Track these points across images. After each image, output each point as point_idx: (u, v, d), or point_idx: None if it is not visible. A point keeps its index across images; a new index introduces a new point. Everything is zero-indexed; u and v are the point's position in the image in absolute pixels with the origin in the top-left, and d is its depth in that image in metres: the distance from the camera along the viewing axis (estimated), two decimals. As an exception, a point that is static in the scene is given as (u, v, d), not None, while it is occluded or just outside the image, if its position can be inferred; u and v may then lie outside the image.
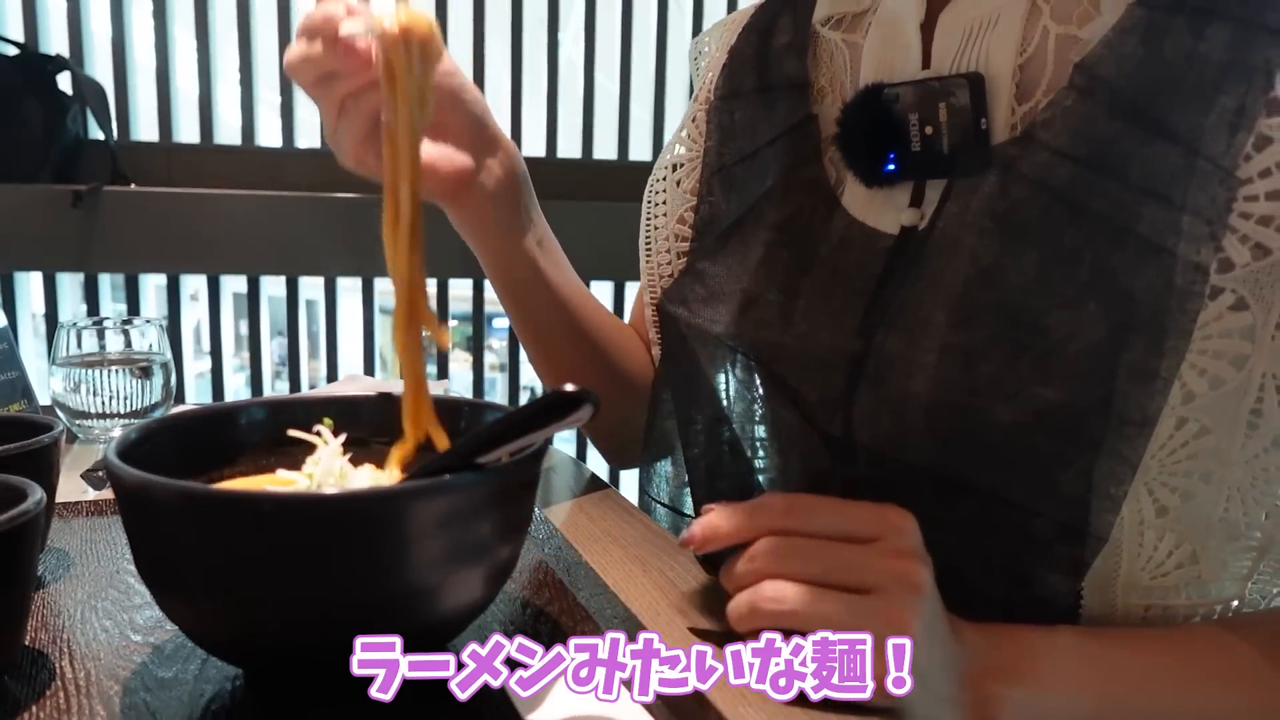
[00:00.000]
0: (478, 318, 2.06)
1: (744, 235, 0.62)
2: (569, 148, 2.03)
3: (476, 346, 2.12)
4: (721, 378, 0.60)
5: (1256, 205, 0.45)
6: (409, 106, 0.43)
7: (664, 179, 0.76)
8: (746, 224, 0.62)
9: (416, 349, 0.45)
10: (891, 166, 0.55)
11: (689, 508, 0.70)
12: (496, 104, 2.01)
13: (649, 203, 0.78)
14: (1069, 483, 0.46)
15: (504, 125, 2.04)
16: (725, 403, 0.61)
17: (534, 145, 2.04)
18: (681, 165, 0.74)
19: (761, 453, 0.59)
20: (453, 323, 2.23)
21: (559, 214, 0.79)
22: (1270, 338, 0.45)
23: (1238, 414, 0.45)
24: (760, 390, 0.58)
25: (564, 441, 2.28)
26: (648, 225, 0.77)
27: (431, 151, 0.60)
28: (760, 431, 0.59)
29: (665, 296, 0.65)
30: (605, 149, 2.06)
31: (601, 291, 1.90)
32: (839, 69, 0.62)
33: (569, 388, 0.39)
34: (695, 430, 0.64)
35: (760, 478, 0.60)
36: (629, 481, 1.19)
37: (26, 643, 0.45)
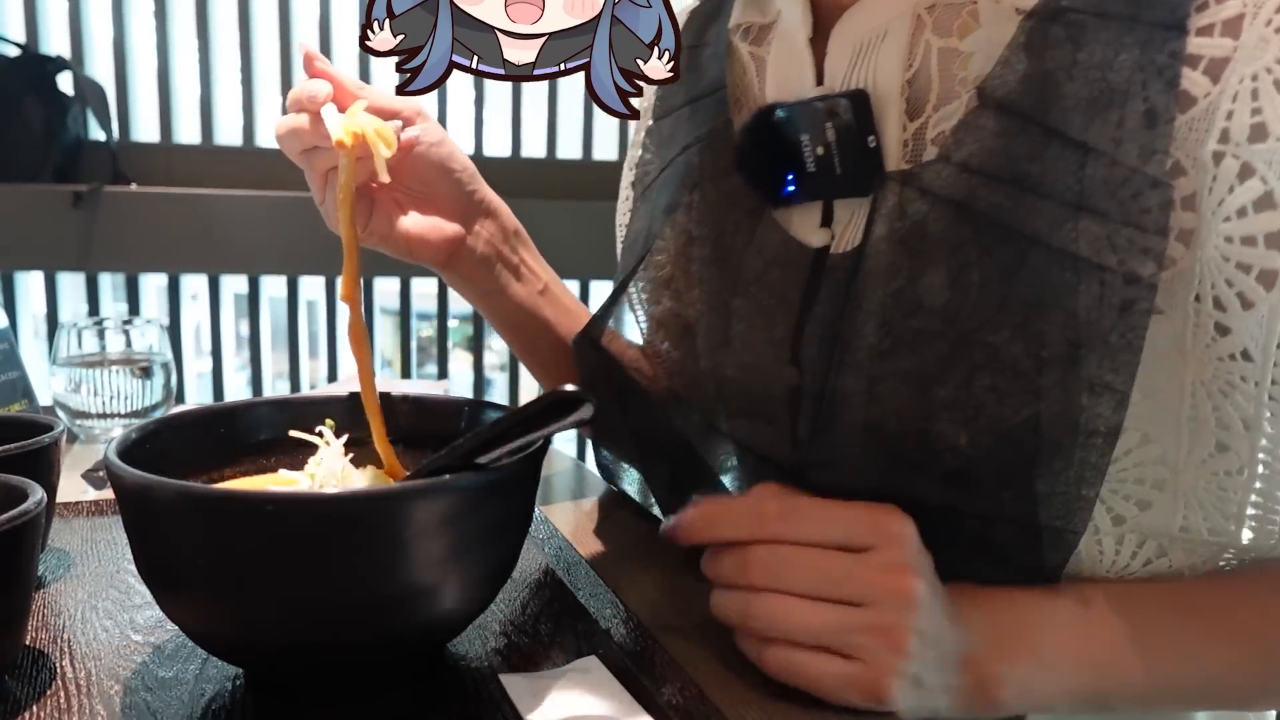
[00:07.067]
0: (478, 318, 2.06)
1: (668, 254, 0.62)
2: (569, 148, 2.03)
3: (476, 346, 2.12)
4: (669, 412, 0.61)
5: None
6: (348, 198, 0.52)
7: (626, 198, 0.76)
8: (668, 242, 0.62)
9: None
10: (791, 188, 0.54)
11: None
12: (496, 105, 2.02)
13: (619, 224, 0.77)
14: (1034, 491, 0.45)
15: (503, 125, 2.05)
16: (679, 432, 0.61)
17: (534, 147, 2.04)
18: (634, 185, 0.74)
19: (723, 475, 0.60)
20: (453, 323, 2.23)
21: (559, 214, 0.78)
22: (1193, 345, 0.43)
23: (1177, 421, 0.44)
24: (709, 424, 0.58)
25: (564, 441, 2.28)
26: (621, 245, 0.77)
27: (422, 223, 0.64)
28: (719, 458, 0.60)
29: (592, 332, 0.64)
30: (606, 150, 2.06)
31: (604, 291, 1.90)
32: (750, 83, 0.61)
33: (569, 388, 0.39)
34: (655, 456, 0.64)
35: (725, 480, 0.60)
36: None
37: (27, 642, 0.45)
